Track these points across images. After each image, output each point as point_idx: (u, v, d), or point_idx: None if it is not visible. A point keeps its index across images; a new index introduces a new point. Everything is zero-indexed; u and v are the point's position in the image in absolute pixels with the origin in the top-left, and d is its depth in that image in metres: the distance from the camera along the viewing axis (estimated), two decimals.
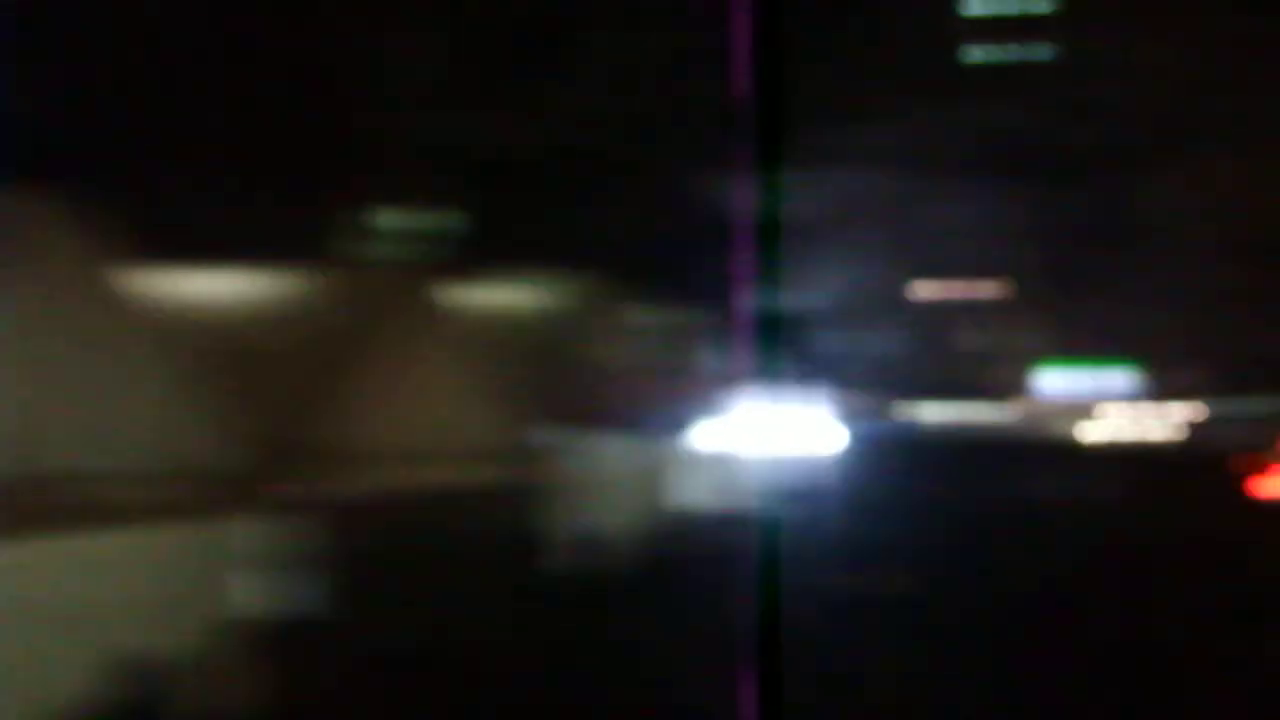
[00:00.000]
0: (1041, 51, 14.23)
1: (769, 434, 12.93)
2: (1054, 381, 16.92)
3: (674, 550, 9.26)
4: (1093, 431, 16.89)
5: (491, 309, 10.22)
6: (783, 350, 15.57)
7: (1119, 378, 15.92)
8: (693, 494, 11.99)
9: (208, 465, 6.80)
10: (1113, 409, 17.24)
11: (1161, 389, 15.86)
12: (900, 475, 14.70)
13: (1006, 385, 17.50)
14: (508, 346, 9.68)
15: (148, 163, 13.85)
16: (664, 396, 11.74)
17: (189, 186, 14.08)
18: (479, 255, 14.27)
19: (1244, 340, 13.76)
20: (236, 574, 7.01)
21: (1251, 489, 15.98)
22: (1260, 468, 17.67)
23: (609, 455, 10.97)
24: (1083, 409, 17.08)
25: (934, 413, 16.47)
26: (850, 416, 15.55)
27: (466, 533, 8.43)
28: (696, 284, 15.38)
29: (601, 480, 10.55)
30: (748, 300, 14.65)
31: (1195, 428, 17.75)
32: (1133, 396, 16.60)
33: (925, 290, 16.56)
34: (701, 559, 9.37)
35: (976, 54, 15.51)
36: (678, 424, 11.77)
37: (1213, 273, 13.46)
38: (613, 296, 11.53)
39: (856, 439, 15.60)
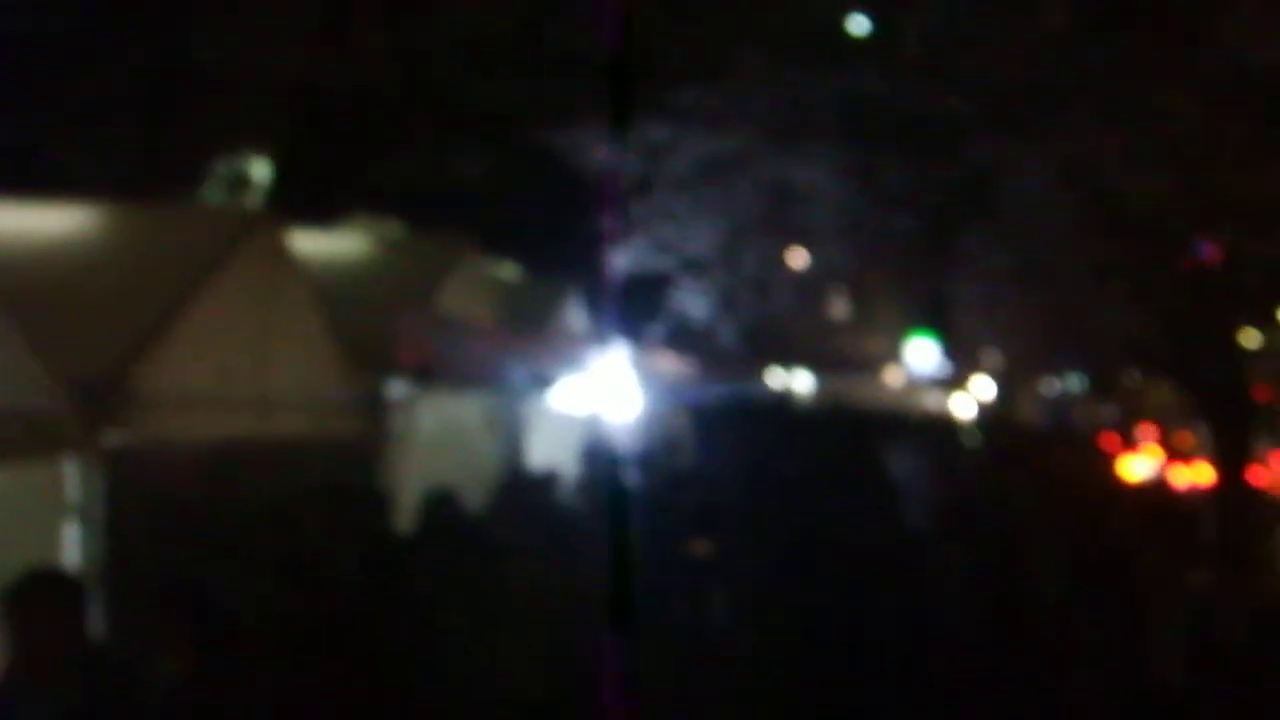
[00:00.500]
0: (908, 20, 14.12)
1: (624, 395, 12.78)
2: (912, 354, 16.94)
3: (525, 506, 9.08)
4: (945, 405, 16.93)
5: (339, 256, 9.97)
6: (642, 311, 15.46)
7: (974, 351, 15.96)
8: (546, 451, 11.84)
9: (27, 407, 6.53)
10: (967, 382, 17.24)
11: (1016, 364, 15.94)
12: (744, 442, 14.65)
13: (866, 356, 17.45)
14: (355, 296, 9.45)
15: None
16: (521, 353, 11.57)
17: (20, 119, 13.62)
18: (327, 201, 13.98)
19: (1103, 316, 13.81)
20: (51, 520, 6.77)
21: (1108, 466, 16.10)
22: (1118, 445, 17.83)
23: (460, 410, 10.78)
24: (938, 382, 17.09)
25: (792, 381, 16.43)
26: (704, 380, 15.49)
27: (300, 485, 8.19)
28: (557, 241, 15.20)
29: (450, 435, 10.35)
30: (609, 259, 14.48)
31: (1051, 403, 17.85)
32: (986, 371, 16.65)
33: (786, 256, 16.51)
34: (553, 516, 9.22)
35: (845, 21, 15.40)
36: (534, 381, 11.61)
37: (1075, 247, 13.48)
38: (470, 249, 11.35)
39: (706, 404, 15.56)
